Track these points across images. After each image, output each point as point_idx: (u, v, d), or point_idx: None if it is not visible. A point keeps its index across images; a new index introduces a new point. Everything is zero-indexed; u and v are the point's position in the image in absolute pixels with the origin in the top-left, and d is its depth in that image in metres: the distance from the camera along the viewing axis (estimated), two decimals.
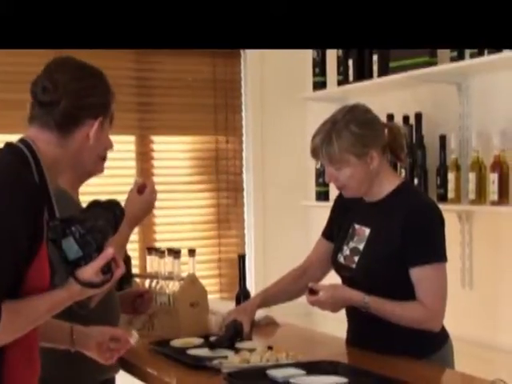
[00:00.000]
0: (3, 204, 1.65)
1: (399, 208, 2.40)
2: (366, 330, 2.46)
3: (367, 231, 2.47)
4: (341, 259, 2.52)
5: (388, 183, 2.46)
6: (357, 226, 2.50)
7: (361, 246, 2.47)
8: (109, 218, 1.83)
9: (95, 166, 1.98)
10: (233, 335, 2.46)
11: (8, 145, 1.81)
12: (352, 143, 2.37)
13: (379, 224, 2.44)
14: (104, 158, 2.01)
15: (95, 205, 1.89)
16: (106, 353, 2.08)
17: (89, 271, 1.71)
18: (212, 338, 2.50)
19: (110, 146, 1.99)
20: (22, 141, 1.81)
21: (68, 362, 2.13)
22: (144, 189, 2.38)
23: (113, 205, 1.91)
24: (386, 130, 2.50)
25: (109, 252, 1.73)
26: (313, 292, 2.40)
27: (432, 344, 2.42)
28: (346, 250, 2.51)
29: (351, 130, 2.37)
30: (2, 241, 1.63)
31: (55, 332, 2.03)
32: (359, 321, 2.48)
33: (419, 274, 2.35)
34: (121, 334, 2.11)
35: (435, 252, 2.38)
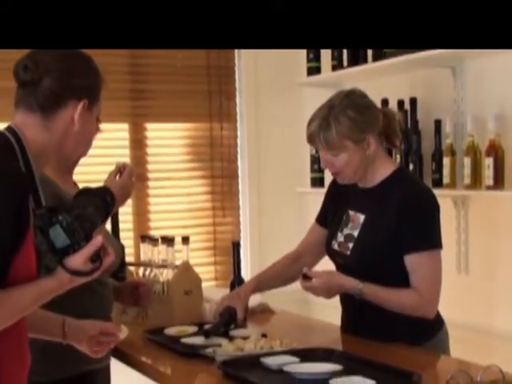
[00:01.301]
0: None
1: (394, 195, 2.38)
2: (360, 316, 2.45)
3: (362, 218, 2.45)
4: (335, 246, 2.50)
5: (383, 169, 2.44)
6: (351, 213, 2.48)
7: (355, 233, 2.45)
8: (98, 205, 1.81)
9: (79, 151, 1.93)
10: (227, 322, 2.44)
11: None
12: (350, 128, 2.34)
13: (374, 210, 2.42)
14: (89, 144, 1.97)
15: (85, 192, 1.87)
16: (96, 346, 2.07)
17: (77, 260, 1.69)
18: (206, 326, 2.49)
19: (96, 131, 1.95)
20: (8, 129, 1.78)
21: (44, 353, 2.09)
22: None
23: (103, 191, 1.89)
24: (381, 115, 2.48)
25: (97, 240, 1.70)
26: (307, 277, 2.39)
27: (427, 330, 2.41)
28: (341, 237, 2.49)
29: (349, 115, 2.34)
30: None
31: (46, 323, 2.02)
32: (353, 308, 2.46)
33: (414, 261, 2.34)
34: (111, 329, 2.11)
35: (430, 239, 2.36)
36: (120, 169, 2.36)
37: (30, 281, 1.68)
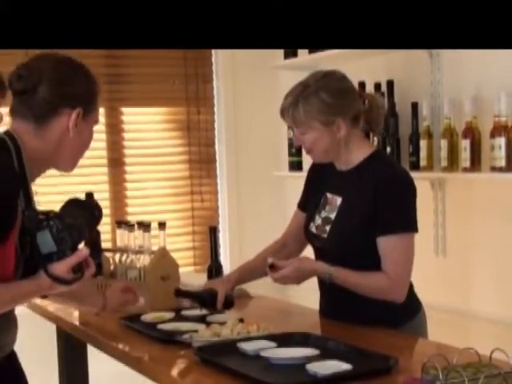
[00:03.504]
0: None
1: (370, 177, 2.36)
2: (338, 300, 2.44)
3: (339, 200, 2.44)
4: (313, 229, 2.49)
5: (360, 152, 2.42)
6: (329, 195, 2.47)
7: (332, 216, 2.44)
8: (87, 217, 1.85)
9: (76, 159, 1.94)
10: (206, 297, 2.43)
11: None
12: (319, 110, 2.32)
13: (351, 193, 2.41)
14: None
15: (75, 203, 1.92)
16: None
17: (61, 267, 1.72)
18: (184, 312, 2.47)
19: (89, 141, 1.96)
20: (6, 132, 1.82)
21: None
22: None
23: (92, 205, 1.93)
24: (366, 101, 2.45)
25: (83, 252, 1.75)
26: (274, 268, 2.38)
27: (405, 313, 2.41)
28: (318, 220, 2.48)
29: (320, 97, 2.32)
30: None
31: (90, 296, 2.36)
32: (331, 292, 2.45)
33: (386, 244, 2.33)
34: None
35: (404, 222, 2.35)
36: None
37: (7, 280, 1.70)
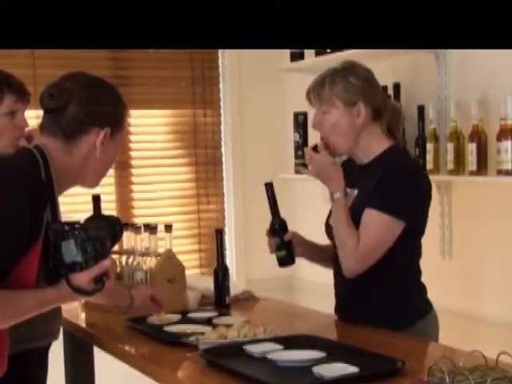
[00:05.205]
0: (4, 192, 1.71)
1: (381, 168, 2.36)
2: (346, 301, 2.45)
3: (355, 193, 2.45)
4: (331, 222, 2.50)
5: (378, 145, 2.42)
6: (348, 190, 2.47)
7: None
8: (109, 231, 1.91)
9: (100, 176, 1.99)
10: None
11: (23, 148, 1.91)
12: (343, 89, 2.38)
13: (364, 185, 2.41)
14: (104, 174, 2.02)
15: (98, 217, 2.00)
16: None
17: (83, 278, 1.76)
18: None
19: (114, 159, 2.01)
20: (35, 146, 1.87)
21: None
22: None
23: (115, 221, 1.99)
24: (387, 108, 2.48)
25: (106, 263, 1.78)
26: (316, 150, 2.45)
27: (414, 314, 2.41)
28: None
29: (347, 79, 2.39)
30: (2, 228, 1.69)
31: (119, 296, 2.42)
32: (340, 293, 2.48)
33: (365, 216, 2.33)
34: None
35: (390, 205, 2.31)
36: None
37: (27, 288, 1.74)
